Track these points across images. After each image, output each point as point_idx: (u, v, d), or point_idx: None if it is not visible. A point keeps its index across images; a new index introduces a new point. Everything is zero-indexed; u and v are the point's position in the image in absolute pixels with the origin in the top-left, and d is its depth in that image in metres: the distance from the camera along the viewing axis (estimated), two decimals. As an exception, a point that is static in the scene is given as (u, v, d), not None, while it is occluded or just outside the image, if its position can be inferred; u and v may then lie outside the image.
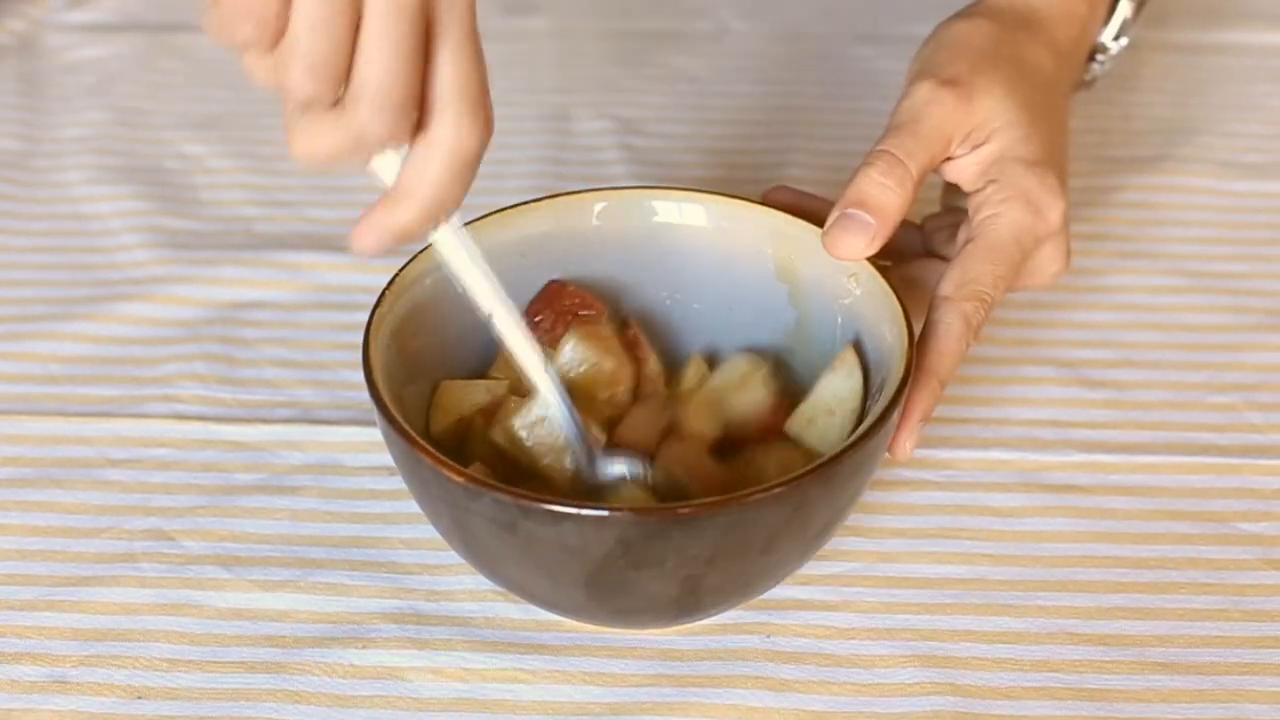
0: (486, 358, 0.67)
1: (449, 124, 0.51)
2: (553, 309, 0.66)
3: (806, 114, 0.93)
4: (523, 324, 0.60)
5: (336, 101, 0.50)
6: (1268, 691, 0.61)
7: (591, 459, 0.62)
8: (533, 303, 0.67)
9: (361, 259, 0.80)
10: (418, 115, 0.51)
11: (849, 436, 0.59)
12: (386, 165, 0.53)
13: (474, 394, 0.65)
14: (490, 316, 0.59)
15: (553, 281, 0.67)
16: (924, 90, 0.66)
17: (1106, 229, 0.84)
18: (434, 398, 0.64)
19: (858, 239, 0.63)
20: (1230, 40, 0.99)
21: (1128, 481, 0.70)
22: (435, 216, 0.53)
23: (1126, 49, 0.76)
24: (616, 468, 0.62)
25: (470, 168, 0.52)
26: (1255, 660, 0.62)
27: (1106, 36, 0.76)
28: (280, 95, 0.51)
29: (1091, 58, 0.76)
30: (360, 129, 0.50)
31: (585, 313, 0.66)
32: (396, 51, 0.49)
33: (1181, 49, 0.98)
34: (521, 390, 0.64)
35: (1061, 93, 0.72)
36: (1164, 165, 0.88)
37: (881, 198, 0.63)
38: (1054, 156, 0.68)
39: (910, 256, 0.70)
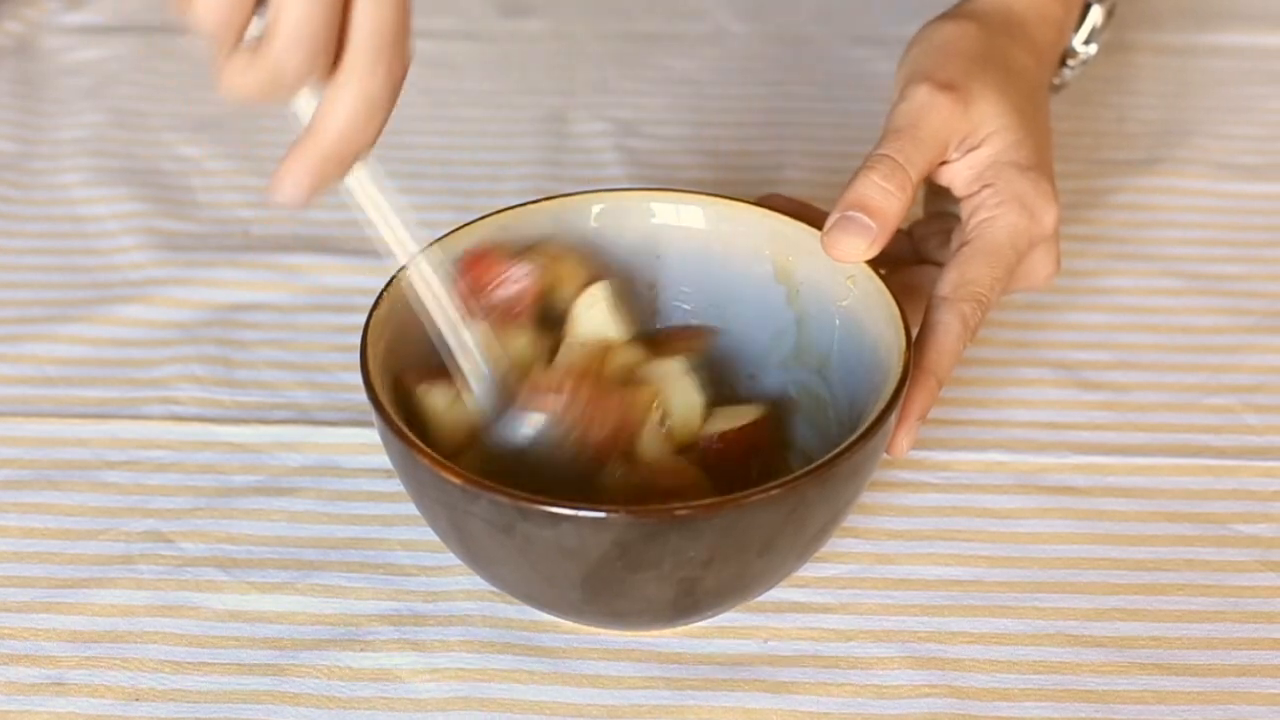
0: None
1: (359, 65, 0.52)
2: (481, 289, 0.65)
3: (804, 116, 0.93)
4: (436, 276, 0.60)
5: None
6: (1265, 693, 0.61)
7: (502, 415, 0.61)
8: (459, 287, 0.65)
9: (359, 261, 0.81)
10: (332, 57, 0.52)
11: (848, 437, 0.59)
12: (305, 110, 0.54)
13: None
14: (401, 266, 0.59)
15: (469, 251, 0.65)
16: (921, 94, 0.66)
17: (1102, 231, 0.84)
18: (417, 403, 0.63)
19: (858, 241, 0.64)
20: (1224, 42, 0.99)
21: (1125, 483, 0.70)
22: (345, 158, 0.53)
23: (1099, 54, 0.77)
24: (525, 428, 0.61)
25: (379, 109, 0.53)
26: (1253, 662, 0.62)
27: (1077, 41, 0.76)
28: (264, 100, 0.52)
29: (1063, 62, 0.76)
30: (276, 66, 0.52)
31: (508, 279, 0.65)
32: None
33: (1176, 51, 0.98)
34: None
35: (1044, 95, 0.72)
36: (1159, 167, 0.88)
37: (883, 201, 0.63)
38: (1044, 161, 0.68)
39: (902, 263, 0.70)
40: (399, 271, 0.62)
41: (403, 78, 0.53)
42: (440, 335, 0.61)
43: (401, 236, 0.59)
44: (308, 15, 0.51)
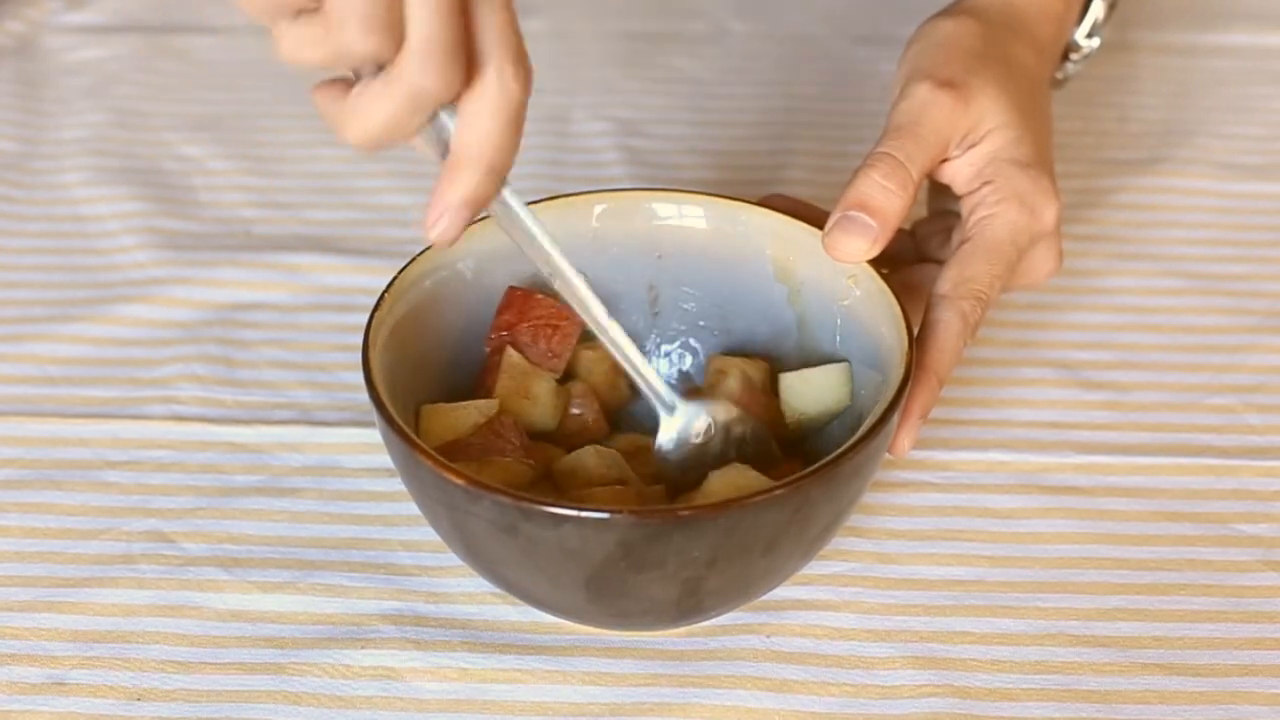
0: (485, 358, 0.67)
1: (495, 75, 0.50)
2: (527, 321, 0.66)
3: (805, 115, 0.93)
4: (583, 278, 0.58)
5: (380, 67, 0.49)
6: (1267, 693, 0.61)
7: (666, 405, 0.62)
8: (501, 313, 0.66)
9: (361, 261, 0.81)
10: (465, 71, 0.49)
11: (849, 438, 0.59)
12: (429, 141, 0.52)
13: (465, 416, 0.64)
14: (551, 276, 0.58)
15: (514, 289, 0.66)
16: (922, 91, 0.66)
17: (1104, 230, 0.84)
18: (419, 423, 0.63)
19: (859, 241, 0.63)
20: (1227, 42, 0.99)
21: (1126, 483, 0.70)
22: (499, 176, 0.52)
23: (1099, 49, 0.77)
24: (698, 416, 0.62)
25: (521, 119, 0.51)
26: (1254, 662, 0.62)
27: (1079, 35, 0.76)
28: (327, 69, 0.49)
29: (1065, 56, 0.76)
30: (412, 85, 0.49)
31: (561, 323, 0.66)
32: (439, 3, 0.48)
33: (1178, 51, 0.98)
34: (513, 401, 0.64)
35: (1044, 91, 0.72)
36: (1161, 167, 0.88)
37: (883, 200, 0.63)
38: (1044, 157, 0.68)
39: (904, 262, 0.70)
40: (416, 258, 0.61)
41: (531, 83, 0.50)
42: (600, 334, 0.60)
43: (547, 246, 0.57)
44: (440, 26, 0.48)
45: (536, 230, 0.57)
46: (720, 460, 0.62)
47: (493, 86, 0.50)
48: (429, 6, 0.48)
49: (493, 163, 0.51)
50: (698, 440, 0.63)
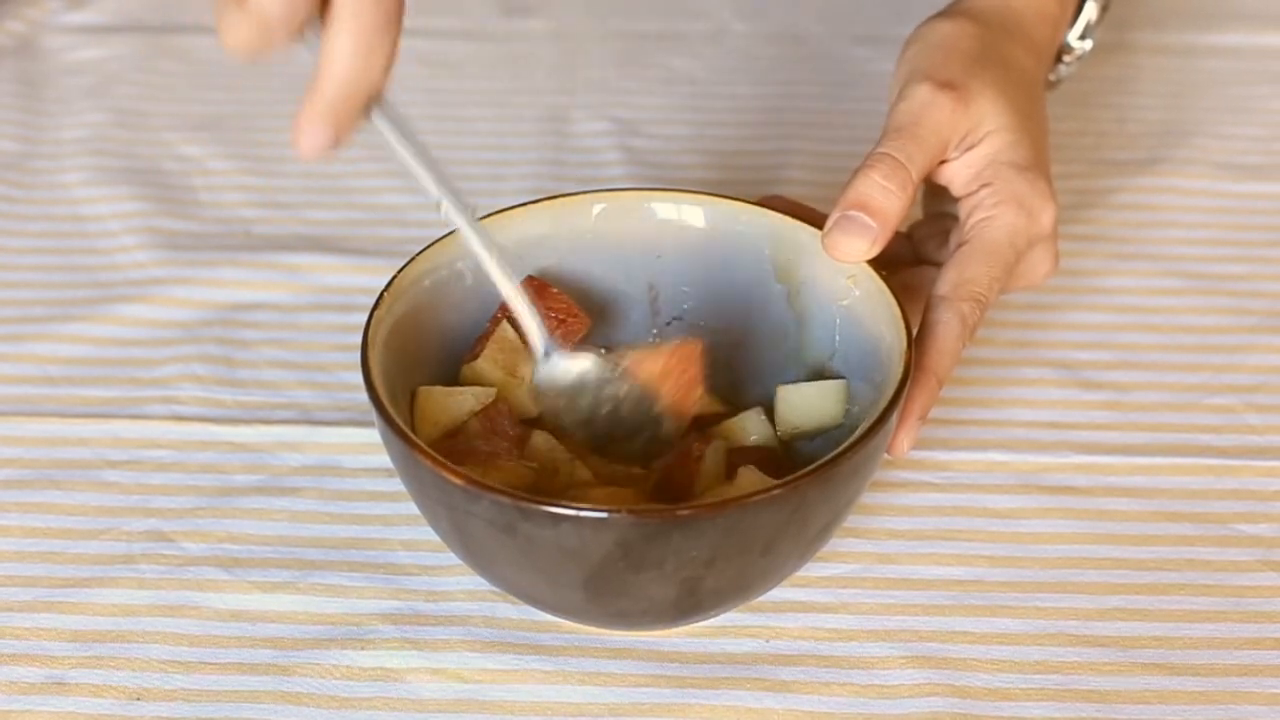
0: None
1: (346, 8, 0.52)
2: (536, 308, 0.66)
3: (805, 115, 0.93)
4: (468, 214, 0.59)
5: None
6: (1267, 693, 0.61)
7: (549, 354, 0.62)
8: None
9: (361, 260, 0.81)
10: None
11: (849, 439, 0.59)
12: (311, 47, 0.53)
13: (462, 402, 0.64)
14: (439, 204, 0.59)
15: (531, 278, 0.66)
16: (922, 93, 0.66)
17: (1103, 231, 0.84)
18: (415, 406, 0.64)
19: (859, 241, 0.63)
20: (1226, 43, 0.99)
21: (1126, 483, 0.70)
22: (354, 100, 0.53)
23: (1094, 51, 0.77)
24: (580, 363, 0.62)
25: (378, 45, 0.52)
26: (1254, 662, 0.62)
27: (1072, 37, 0.76)
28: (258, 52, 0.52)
29: (1058, 58, 0.76)
30: (261, 15, 0.52)
31: (569, 318, 0.66)
32: None
33: (1177, 51, 0.98)
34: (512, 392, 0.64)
35: (1041, 93, 0.72)
36: (1160, 167, 0.88)
37: (883, 201, 0.63)
38: (1041, 160, 0.68)
39: (901, 264, 0.70)
40: (415, 258, 0.62)
41: (400, 10, 0.52)
42: (484, 270, 0.60)
43: (431, 174, 0.58)
44: None
45: (408, 153, 0.57)
46: (595, 415, 0.62)
47: (345, 14, 0.52)
48: None
49: (346, 89, 0.53)
50: (567, 380, 0.62)
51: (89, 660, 0.62)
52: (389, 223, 0.85)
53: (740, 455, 0.64)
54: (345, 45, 0.52)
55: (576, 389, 0.63)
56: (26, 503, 0.69)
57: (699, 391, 0.64)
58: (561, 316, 0.66)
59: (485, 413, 0.64)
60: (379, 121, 0.56)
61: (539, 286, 0.66)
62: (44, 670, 0.62)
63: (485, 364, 0.65)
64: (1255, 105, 0.94)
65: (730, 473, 0.63)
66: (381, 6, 0.52)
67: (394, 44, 0.53)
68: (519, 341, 0.65)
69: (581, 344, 0.65)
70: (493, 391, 0.64)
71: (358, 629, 0.63)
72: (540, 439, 0.64)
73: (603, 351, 0.64)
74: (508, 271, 0.61)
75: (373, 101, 0.55)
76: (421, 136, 0.57)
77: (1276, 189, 0.87)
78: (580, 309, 0.66)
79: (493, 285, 0.65)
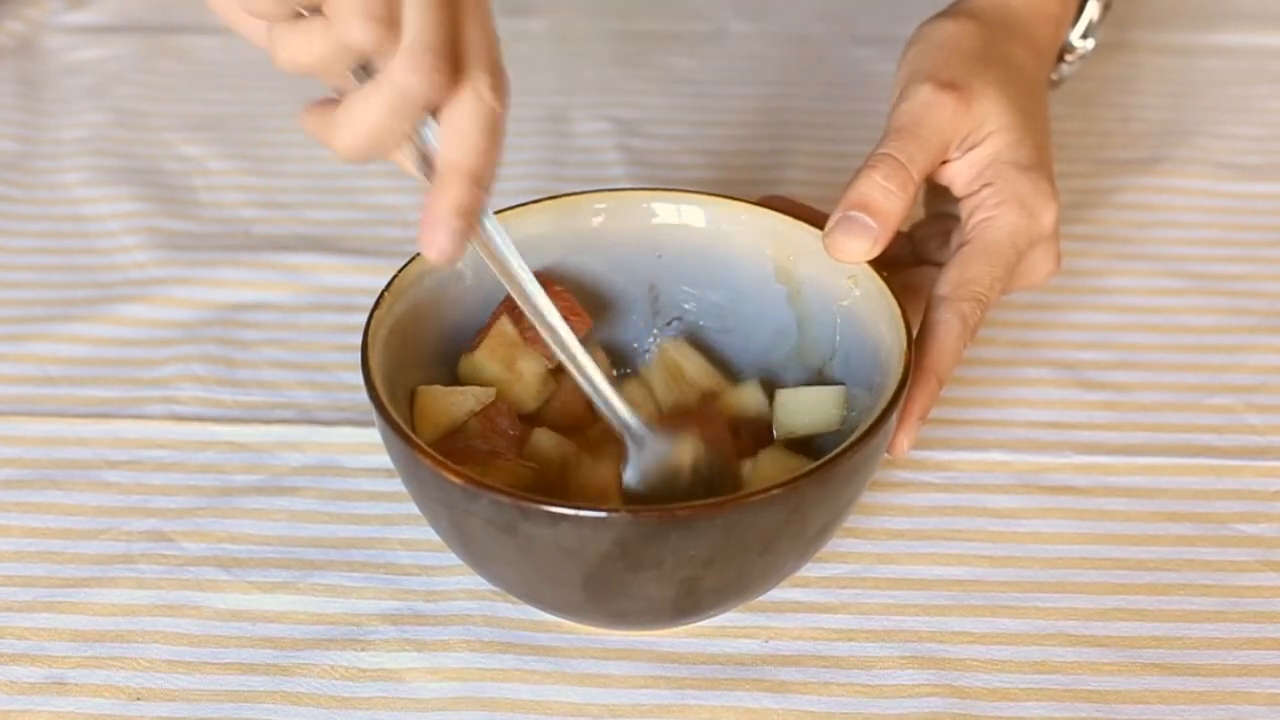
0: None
1: (477, 87, 0.50)
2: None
3: (806, 115, 0.93)
4: (553, 306, 0.58)
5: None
6: (1266, 693, 0.61)
7: (635, 439, 0.61)
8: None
9: (361, 260, 0.81)
10: (450, 78, 0.50)
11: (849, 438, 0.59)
12: (412, 155, 0.52)
13: (461, 402, 0.64)
14: (522, 301, 0.58)
15: (537, 274, 0.66)
16: (924, 93, 0.66)
17: (1105, 230, 0.84)
18: (415, 405, 0.63)
19: (860, 242, 0.63)
20: (1227, 42, 0.99)
21: (1126, 483, 0.70)
22: (484, 187, 0.51)
23: (1095, 51, 0.77)
24: (666, 453, 0.61)
25: (501, 131, 0.51)
26: (1254, 662, 0.62)
27: (1074, 36, 0.76)
28: (323, 73, 0.50)
29: (1060, 58, 0.76)
30: (400, 85, 0.49)
31: (570, 318, 0.66)
32: (431, 5, 0.49)
33: (1178, 51, 0.98)
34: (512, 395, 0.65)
35: (1043, 93, 0.72)
36: (1162, 167, 0.88)
37: (884, 201, 0.63)
38: (1043, 160, 0.68)
39: (902, 265, 0.70)
40: (415, 258, 0.61)
41: (508, 95, 0.51)
42: (567, 365, 0.60)
43: (521, 271, 0.57)
44: (432, 29, 0.48)
45: (510, 256, 0.57)
46: (687, 494, 0.61)
47: (473, 97, 0.50)
48: (422, 7, 0.49)
49: (478, 173, 0.51)
50: (664, 476, 0.61)
51: (89, 660, 0.62)
52: (389, 223, 0.85)
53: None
54: (478, 136, 0.50)
55: (673, 474, 0.62)
56: (26, 503, 0.69)
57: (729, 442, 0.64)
58: (565, 317, 0.65)
59: (485, 412, 0.64)
60: (484, 223, 0.54)
61: (544, 284, 0.66)
62: (44, 670, 0.62)
63: (483, 357, 0.65)
64: (1257, 105, 0.94)
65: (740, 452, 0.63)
66: (504, 103, 0.50)
67: (503, 134, 0.51)
68: (518, 337, 0.65)
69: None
70: (492, 391, 0.64)
71: (358, 629, 0.63)
72: (542, 436, 0.64)
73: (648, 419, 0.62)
74: (599, 372, 0.60)
75: (489, 192, 0.52)
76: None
77: (1277, 189, 0.87)
78: (581, 309, 0.66)
79: (494, 285, 0.65)
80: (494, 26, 0.51)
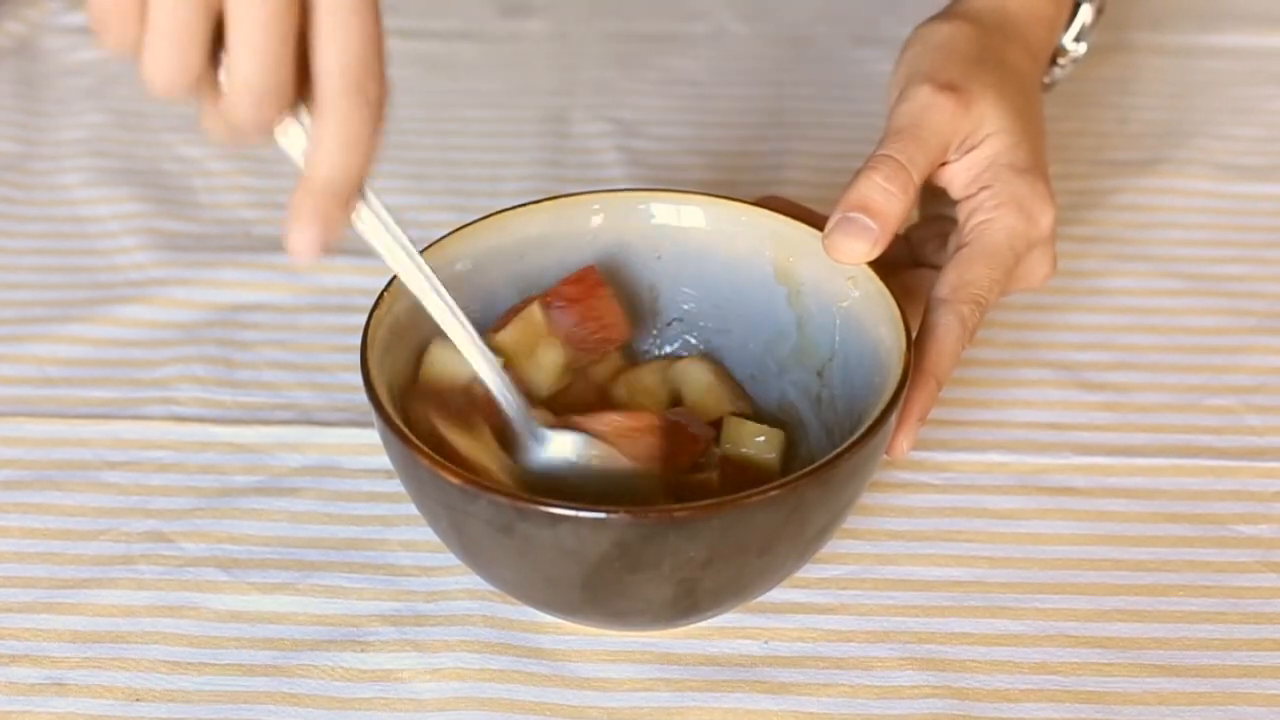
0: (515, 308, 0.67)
1: (330, 106, 0.51)
2: (585, 304, 0.66)
3: (805, 116, 0.93)
4: (447, 299, 0.59)
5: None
6: (1266, 694, 0.61)
7: (532, 435, 0.61)
8: (571, 282, 0.66)
9: (360, 261, 0.81)
10: (292, 99, 0.51)
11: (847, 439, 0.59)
12: (292, 140, 0.53)
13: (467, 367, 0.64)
14: (416, 293, 0.59)
15: (594, 270, 0.66)
16: (923, 94, 0.66)
17: (1104, 231, 0.84)
18: (425, 357, 0.64)
19: (860, 243, 0.63)
20: (1227, 43, 0.99)
21: (1126, 484, 0.70)
22: (341, 197, 0.53)
23: (1090, 53, 0.77)
24: (560, 448, 0.61)
25: (361, 144, 0.52)
26: (1254, 663, 0.62)
27: (1067, 39, 0.76)
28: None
29: (1053, 61, 0.76)
30: (234, 119, 0.51)
31: (610, 330, 0.66)
32: (257, 46, 0.50)
33: (1178, 52, 0.98)
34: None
35: (1038, 95, 0.72)
36: (1161, 168, 0.88)
37: (884, 203, 0.63)
38: (1040, 162, 0.68)
39: (900, 267, 0.70)
40: (390, 287, 0.62)
41: (383, 106, 0.52)
42: (470, 359, 0.60)
43: (408, 262, 0.58)
44: (258, 68, 0.50)
45: (391, 246, 0.57)
46: (578, 489, 0.61)
47: (328, 118, 0.51)
48: (248, 47, 0.50)
49: (334, 189, 0.52)
50: (563, 464, 0.62)
51: (88, 661, 0.62)
52: (389, 224, 0.85)
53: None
54: (330, 147, 0.52)
55: (566, 469, 0.62)
56: (26, 503, 0.69)
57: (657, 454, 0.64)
58: (605, 327, 0.66)
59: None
60: (365, 216, 0.56)
61: (597, 285, 0.66)
62: (43, 671, 0.62)
63: (505, 337, 0.65)
64: (1257, 106, 0.94)
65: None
66: (369, 108, 0.51)
67: (377, 142, 0.52)
68: (544, 325, 0.65)
69: (555, 418, 0.64)
70: (500, 362, 0.64)
71: (357, 630, 0.63)
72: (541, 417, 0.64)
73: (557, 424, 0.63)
74: (484, 349, 0.61)
75: (360, 195, 0.54)
76: (389, 190, 0.57)
77: (1277, 190, 0.87)
78: (622, 320, 0.66)
79: (494, 285, 0.65)
80: (359, 36, 0.51)
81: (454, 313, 0.59)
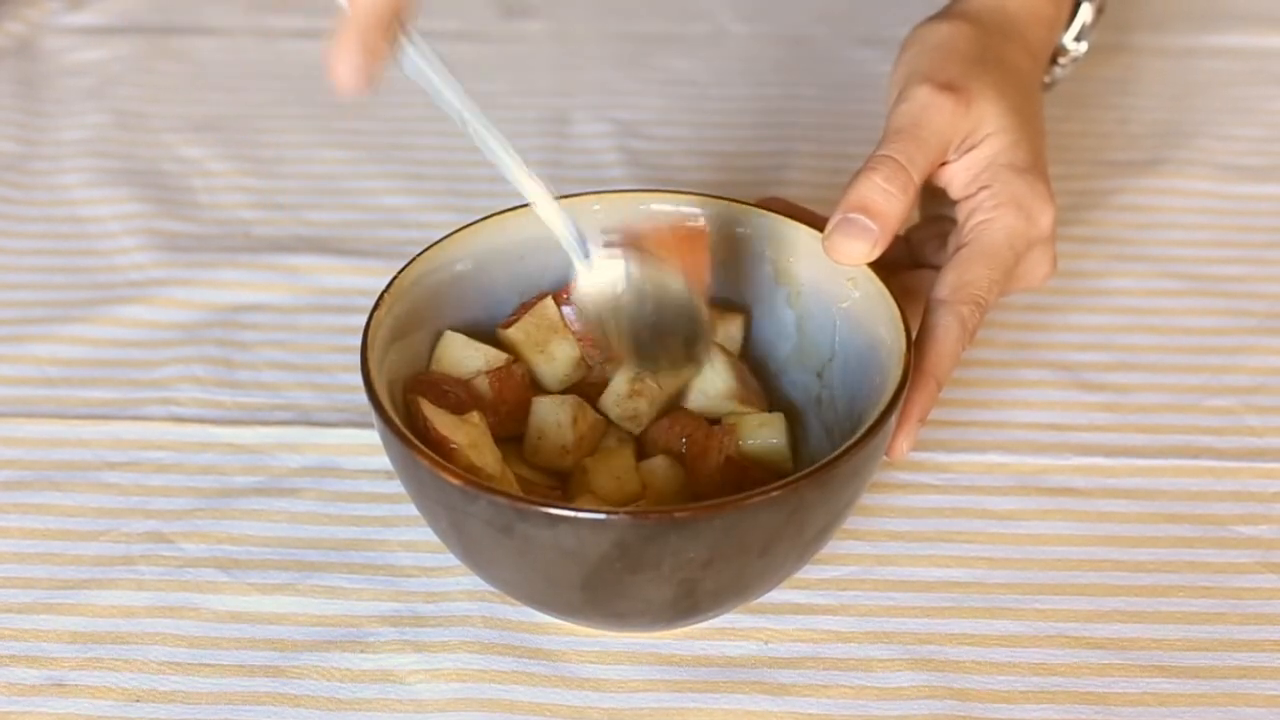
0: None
1: None
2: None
3: (805, 117, 0.93)
4: (495, 130, 0.60)
5: None
6: (1266, 695, 0.61)
7: (581, 253, 0.62)
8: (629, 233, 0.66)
9: (360, 262, 0.81)
10: None
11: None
12: None
13: (473, 357, 0.65)
14: (465, 124, 0.60)
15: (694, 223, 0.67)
16: (922, 94, 0.66)
17: (1104, 232, 0.84)
18: (435, 349, 0.65)
19: (860, 244, 0.63)
20: (1227, 44, 0.99)
21: (1126, 485, 0.70)
22: (387, 25, 0.53)
23: (1090, 53, 0.77)
24: (613, 266, 0.62)
25: None
26: (1253, 664, 0.62)
27: (1068, 39, 0.76)
28: None
29: (1053, 60, 0.76)
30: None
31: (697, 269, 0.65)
32: None
33: (1178, 53, 0.98)
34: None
35: (1038, 95, 0.72)
36: (1162, 168, 0.88)
37: (884, 203, 0.63)
38: (1040, 162, 0.68)
39: (899, 268, 0.70)
40: (414, 259, 0.63)
41: None
42: (514, 184, 0.61)
43: (457, 96, 0.59)
44: None
45: (440, 80, 0.58)
46: (639, 320, 0.62)
47: None
48: None
49: (380, 12, 0.53)
50: (613, 290, 0.62)
51: (88, 662, 0.62)
52: (388, 224, 0.85)
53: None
54: None
55: (617, 293, 0.62)
56: (26, 504, 0.69)
57: (707, 274, 0.64)
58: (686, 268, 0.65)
59: (497, 374, 0.64)
60: (407, 49, 0.56)
61: (696, 234, 0.66)
62: (43, 672, 0.62)
63: (516, 332, 0.66)
64: (1258, 106, 0.94)
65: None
66: None
67: None
68: (558, 320, 0.66)
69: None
70: (504, 357, 0.65)
71: (357, 630, 0.63)
72: (544, 403, 0.65)
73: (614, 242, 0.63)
74: (535, 178, 0.61)
75: (401, 27, 0.54)
76: (447, 69, 0.58)
77: (1277, 191, 0.87)
78: (706, 264, 0.65)
79: (495, 285, 0.65)
80: None
81: (500, 141, 0.60)
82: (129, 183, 0.88)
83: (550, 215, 0.61)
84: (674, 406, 0.67)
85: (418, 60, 0.57)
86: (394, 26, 0.54)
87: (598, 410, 0.66)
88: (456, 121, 0.59)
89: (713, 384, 0.66)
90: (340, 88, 0.54)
